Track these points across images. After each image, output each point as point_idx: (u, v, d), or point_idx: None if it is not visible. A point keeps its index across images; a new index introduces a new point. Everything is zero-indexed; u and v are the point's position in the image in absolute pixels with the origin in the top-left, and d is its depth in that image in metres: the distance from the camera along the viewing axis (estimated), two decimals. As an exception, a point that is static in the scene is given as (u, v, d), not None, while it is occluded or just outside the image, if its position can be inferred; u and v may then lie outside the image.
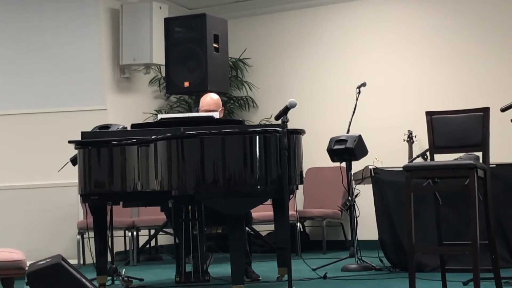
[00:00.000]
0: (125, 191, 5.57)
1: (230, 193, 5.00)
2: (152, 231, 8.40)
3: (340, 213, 8.44)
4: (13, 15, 8.27)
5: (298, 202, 8.32)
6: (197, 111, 6.79)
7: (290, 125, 5.05)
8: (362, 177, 6.82)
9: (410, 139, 8.17)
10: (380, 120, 8.69)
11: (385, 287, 5.54)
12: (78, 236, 7.81)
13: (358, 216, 6.78)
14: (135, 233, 7.97)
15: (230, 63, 9.07)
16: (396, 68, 8.79)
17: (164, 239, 8.76)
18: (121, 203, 6.03)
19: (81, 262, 7.82)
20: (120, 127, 5.99)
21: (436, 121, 5.07)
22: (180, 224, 6.01)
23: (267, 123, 8.81)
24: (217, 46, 7.96)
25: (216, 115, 5.78)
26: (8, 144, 8.09)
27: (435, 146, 5.07)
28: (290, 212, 6.72)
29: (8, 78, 8.21)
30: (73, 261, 7.36)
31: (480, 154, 5.04)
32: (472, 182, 4.57)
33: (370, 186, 6.67)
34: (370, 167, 6.66)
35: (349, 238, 7.47)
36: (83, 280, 3.99)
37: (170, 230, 7.83)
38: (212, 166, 5.02)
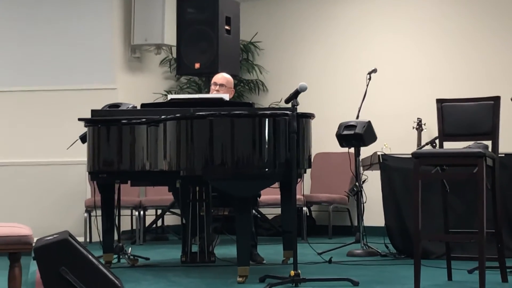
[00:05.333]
0: (134, 170, 5.60)
1: (238, 175, 5.01)
2: (159, 211, 8.43)
3: (347, 199, 8.44)
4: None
5: (305, 186, 8.32)
6: (207, 92, 6.80)
7: (300, 109, 5.05)
8: (370, 163, 6.82)
9: (419, 126, 8.15)
10: (390, 107, 8.67)
11: (390, 273, 5.55)
12: (86, 214, 7.84)
13: (365, 202, 6.79)
14: (142, 212, 7.99)
15: (241, 45, 9.05)
16: (407, 55, 8.76)
17: (170, 219, 8.79)
18: (129, 182, 6.06)
19: (88, 240, 7.86)
20: (130, 106, 6.01)
21: (446, 108, 5.07)
22: (187, 204, 6.04)
23: (277, 106, 8.81)
24: (229, 28, 7.95)
25: (226, 96, 5.78)
26: (18, 120, 8.12)
27: (445, 134, 5.06)
28: (297, 196, 6.71)
29: (19, 55, 8.23)
30: (80, 239, 7.39)
31: (489, 143, 5.04)
32: (480, 170, 4.57)
33: (378, 172, 6.67)
34: (378, 153, 6.66)
35: (355, 223, 7.49)
36: (90, 256, 4.01)
37: (177, 211, 7.85)
38: (220, 147, 5.03)
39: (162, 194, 7.64)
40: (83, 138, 5.99)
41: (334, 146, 7.12)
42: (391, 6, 8.89)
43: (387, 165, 6.56)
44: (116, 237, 6.22)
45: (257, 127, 5.05)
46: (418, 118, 8.17)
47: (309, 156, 5.58)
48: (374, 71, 7.21)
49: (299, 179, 5.41)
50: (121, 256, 6.16)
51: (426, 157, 4.83)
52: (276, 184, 5.71)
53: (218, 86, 6.34)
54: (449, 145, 5.07)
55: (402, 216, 6.41)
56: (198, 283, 5.16)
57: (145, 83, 8.97)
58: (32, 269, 5.34)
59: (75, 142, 6.15)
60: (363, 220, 6.74)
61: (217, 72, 6.99)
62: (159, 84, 9.22)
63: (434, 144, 7.22)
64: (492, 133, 4.91)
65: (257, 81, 9.52)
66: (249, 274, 5.07)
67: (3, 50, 8.20)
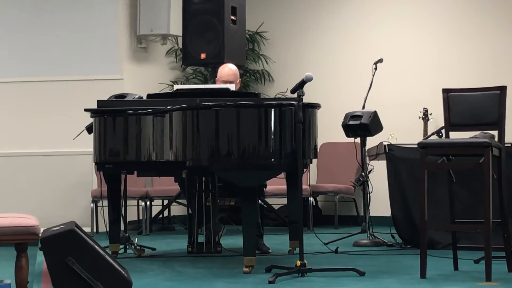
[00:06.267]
0: (140, 160, 5.61)
1: (243, 165, 5.01)
2: (165, 201, 8.44)
3: (353, 189, 8.44)
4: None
5: (312, 176, 8.33)
6: (213, 83, 6.78)
7: (306, 99, 5.05)
8: (376, 153, 6.81)
9: (425, 116, 8.14)
10: (396, 97, 8.65)
11: (396, 263, 5.55)
12: (92, 205, 7.85)
13: (371, 192, 6.79)
14: (148, 203, 8.00)
15: (247, 36, 9.03)
16: (413, 44, 8.73)
17: (177, 210, 8.80)
18: (136, 172, 6.07)
19: (94, 230, 7.88)
20: (136, 96, 6.01)
21: (452, 98, 5.06)
22: (194, 195, 6.05)
23: (283, 97, 8.79)
24: (235, 19, 7.93)
25: (232, 87, 5.77)
26: (24, 111, 8.13)
27: (451, 124, 5.06)
28: (303, 187, 6.71)
29: (24, 45, 8.23)
30: (87, 229, 7.36)
31: (495, 133, 5.03)
32: (486, 160, 4.56)
33: (384, 162, 6.66)
34: (384, 143, 6.66)
35: (362, 213, 7.48)
36: (96, 247, 4.02)
37: (183, 201, 7.86)
38: (226, 137, 5.04)
39: (168, 184, 7.65)
40: (89, 129, 5.99)
41: (340, 136, 7.11)
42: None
43: (393, 155, 6.55)
44: (122, 228, 6.23)
45: (263, 117, 5.05)
46: (424, 108, 8.16)
47: (315, 146, 5.58)
48: (380, 61, 7.20)
49: (305, 169, 5.41)
50: (127, 246, 6.17)
51: (432, 147, 4.83)
52: (282, 174, 5.72)
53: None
54: (455, 135, 5.07)
55: (408, 206, 6.40)
56: (204, 273, 5.17)
57: (151, 73, 8.96)
58: (38, 260, 5.35)
59: (81, 132, 6.16)
60: (369, 210, 6.74)
61: (222, 63, 6.97)
62: (165, 74, 9.22)
63: (440, 134, 7.20)
64: (499, 123, 4.90)
65: (263, 71, 9.51)
66: (255, 264, 5.08)
67: (9, 40, 8.21)
